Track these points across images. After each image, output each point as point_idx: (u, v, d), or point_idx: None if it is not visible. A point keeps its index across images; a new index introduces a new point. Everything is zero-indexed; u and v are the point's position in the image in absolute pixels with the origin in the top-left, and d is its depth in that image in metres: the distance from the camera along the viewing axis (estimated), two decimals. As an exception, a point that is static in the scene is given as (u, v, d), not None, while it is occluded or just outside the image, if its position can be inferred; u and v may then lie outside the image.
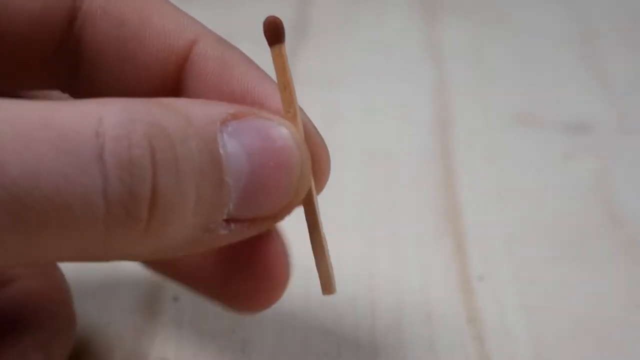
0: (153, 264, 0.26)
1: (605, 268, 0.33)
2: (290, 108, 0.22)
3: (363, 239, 0.34)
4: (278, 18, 0.22)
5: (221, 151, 0.20)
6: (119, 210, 0.18)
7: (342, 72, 0.47)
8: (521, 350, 0.28)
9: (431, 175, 0.38)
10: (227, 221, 0.21)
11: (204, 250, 0.22)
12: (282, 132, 0.21)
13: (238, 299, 0.24)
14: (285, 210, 0.22)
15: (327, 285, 0.23)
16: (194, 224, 0.20)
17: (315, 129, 0.23)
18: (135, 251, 0.20)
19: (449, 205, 0.36)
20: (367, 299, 0.30)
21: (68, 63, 0.24)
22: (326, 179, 0.24)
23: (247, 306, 0.24)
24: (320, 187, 0.24)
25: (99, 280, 0.31)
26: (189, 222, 0.20)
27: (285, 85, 0.22)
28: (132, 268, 0.31)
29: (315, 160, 0.23)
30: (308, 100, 0.44)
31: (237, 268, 0.24)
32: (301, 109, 0.23)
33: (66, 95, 0.25)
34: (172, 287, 0.30)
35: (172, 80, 0.23)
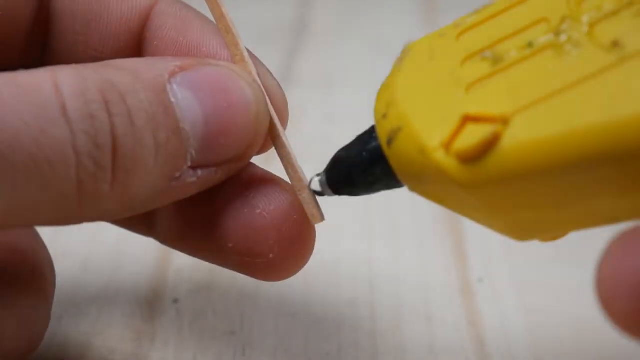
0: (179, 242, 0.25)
1: (605, 269, 0.32)
2: (236, 50, 0.23)
3: (363, 239, 0.34)
4: None
5: (172, 100, 0.21)
6: (88, 161, 0.19)
7: (342, 72, 0.47)
8: (521, 352, 0.28)
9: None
10: (194, 168, 0.21)
11: (176, 200, 0.22)
12: (231, 74, 0.22)
13: (260, 272, 0.24)
14: (250, 150, 0.22)
15: (314, 215, 0.23)
16: (159, 173, 0.21)
17: (268, 71, 0.24)
18: (106, 206, 0.20)
19: (449, 205, 0.36)
20: (367, 300, 0.30)
21: (40, 36, 0.25)
22: (286, 119, 0.24)
23: (271, 277, 0.24)
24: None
25: (99, 282, 0.31)
26: (153, 170, 0.20)
27: (227, 29, 0.23)
28: (133, 270, 0.31)
29: (272, 102, 0.23)
30: (308, 100, 0.44)
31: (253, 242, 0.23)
32: (254, 56, 0.24)
33: None
34: (172, 289, 0.30)
35: (135, 39, 0.25)
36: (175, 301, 0.30)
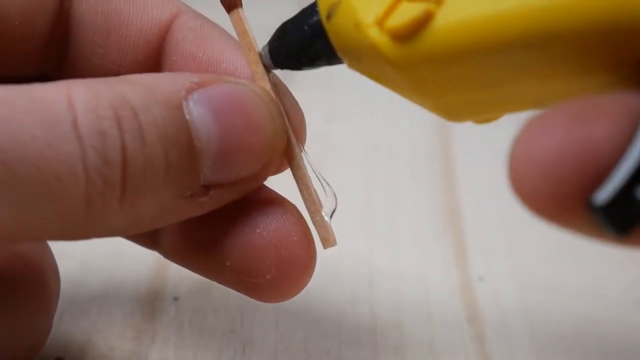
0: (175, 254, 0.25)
1: (605, 268, 0.33)
2: (257, 68, 0.23)
3: (363, 238, 0.34)
4: None
5: (187, 117, 0.20)
6: (96, 177, 0.19)
7: (342, 72, 0.47)
8: (521, 351, 0.28)
9: (431, 175, 0.38)
10: (207, 187, 0.21)
11: (186, 218, 0.22)
12: (249, 93, 0.21)
13: (258, 292, 0.23)
14: (265, 170, 0.22)
15: (327, 238, 0.23)
16: (170, 191, 0.20)
17: (288, 91, 0.24)
18: (115, 222, 0.20)
19: (449, 205, 0.36)
20: (368, 298, 0.30)
21: (58, 46, 0.25)
22: (303, 140, 0.24)
23: (269, 298, 0.24)
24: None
25: (100, 280, 0.31)
26: (163, 188, 0.20)
27: (249, 46, 0.23)
28: (133, 268, 0.31)
29: (290, 122, 0.23)
30: (308, 99, 0.44)
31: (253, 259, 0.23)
32: (275, 74, 0.23)
33: None
34: (172, 287, 0.30)
35: (154, 53, 0.24)
36: (176, 299, 0.30)
